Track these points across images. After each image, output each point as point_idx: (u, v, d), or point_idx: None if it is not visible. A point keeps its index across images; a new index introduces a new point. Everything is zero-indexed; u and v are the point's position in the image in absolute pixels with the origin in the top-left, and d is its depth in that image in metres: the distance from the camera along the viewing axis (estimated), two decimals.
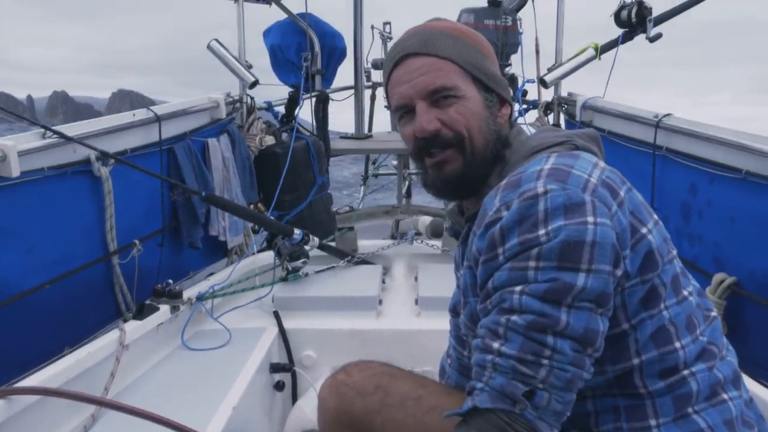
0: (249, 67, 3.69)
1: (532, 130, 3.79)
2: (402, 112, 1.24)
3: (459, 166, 1.21)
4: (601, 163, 1.12)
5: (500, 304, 1.02)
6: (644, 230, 1.08)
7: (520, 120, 4.03)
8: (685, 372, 1.08)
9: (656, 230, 1.11)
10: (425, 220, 2.93)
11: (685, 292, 1.13)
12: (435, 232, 2.88)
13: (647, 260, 1.07)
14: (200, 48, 3.69)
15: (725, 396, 1.10)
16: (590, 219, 1.00)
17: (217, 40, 3.63)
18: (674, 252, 1.15)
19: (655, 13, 3.43)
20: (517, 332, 0.99)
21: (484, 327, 1.05)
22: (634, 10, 3.41)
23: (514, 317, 1.00)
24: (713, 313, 1.19)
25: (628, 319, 1.07)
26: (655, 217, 1.14)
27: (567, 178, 1.04)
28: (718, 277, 2.35)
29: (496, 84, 1.24)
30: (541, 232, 1.00)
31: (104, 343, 1.90)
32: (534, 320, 0.98)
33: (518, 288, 1.00)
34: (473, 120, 1.20)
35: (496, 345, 1.01)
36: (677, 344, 1.08)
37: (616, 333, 1.07)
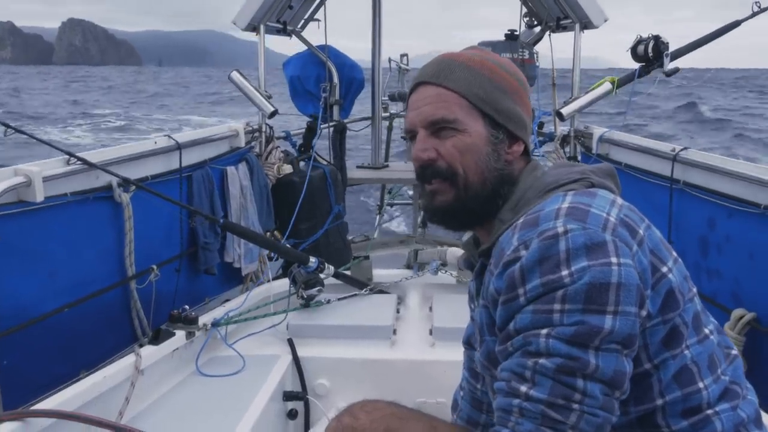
0: (269, 97, 3.75)
1: (549, 164, 3.81)
2: (409, 136, 1.27)
3: (449, 199, 1.20)
4: (619, 200, 1.11)
5: (525, 347, 1.00)
6: (665, 269, 1.06)
7: (535, 152, 4.04)
8: (709, 411, 1.06)
9: (676, 268, 1.09)
10: (455, 251, 2.87)
11: (706, 330, 1.11)
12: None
13: (668, 300, 1.05)
14: None
15: None
16: (614, 260, 0.99)
17: (238, 71, 3.71)
18: (694, 290, 1.14)
19: (672, 48, 3.46)
20: (545, 376, 0.97)
21: (507, 370, 1.02)
22: (650, 45, 3.44)
23: (542, 360, 0.97)
24: (734, 352, 1.17)
25: (650, 359, 1.05)
26: (674, 254, 1.13)
27: (586, 217, 1.03)
28: (737, 312, 2.32)
29: (509, 120, 1.21)
30: (565, 272, 0.98)
31: (120, 367, 1.91)
32: (563, 363, 0.96)
33: (544, 331, 0.98)
34: (470, 155, 1.18)
35: (523, 389, 0.99)
36: (700, 384, 1.06)
37: (638, 373, 1.05)
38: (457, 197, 1.20)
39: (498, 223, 1.19)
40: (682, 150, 2.82)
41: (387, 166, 4.97)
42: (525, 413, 0.98)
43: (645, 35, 3.52)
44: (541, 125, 4.12)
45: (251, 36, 3.90)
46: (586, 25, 3.87)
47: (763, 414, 1.17)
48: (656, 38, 3.45)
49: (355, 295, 2.76)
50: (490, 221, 1.21)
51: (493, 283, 1.08)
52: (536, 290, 1.00)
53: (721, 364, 1.11)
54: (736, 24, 3.54)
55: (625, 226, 1.05)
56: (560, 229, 1.01)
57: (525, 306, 1.01)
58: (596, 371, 0.96)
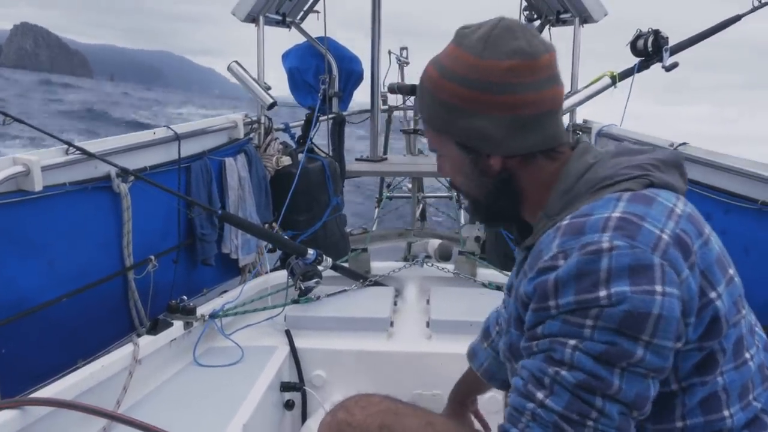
0: (268, 88, 3.74)
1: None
2: None
3: (468, 205, 1.23)
4: (679, 208, 1.03)
5: (549, 352, 0.97)
6: (713, 294, 0.99)
7: None
8: None
9: (727, 292, 1.02)
10: (434, 243, 2.94)
11: (747, 355, 1.05)
12: (443, 256, 2.89)
13: (711, 327, 0.99)
14: None
15: None
16: (658, 288, 0.92)
17: (237, 62, 3.70)
18: (743, 311, 1.07)
19: (671, 42, 3.46)
20: (564, 388, 0.95)
21: (527, 370, 1.00)
22: (650, 40, 3.43)
23: (564, 372, 0.95)
24: None
25: (678, 381, 1.01)
26: (730, 272, 1.06)
27: (637, 233, 0.95)
28: None
29: (466, 138, 1.12)
30: (602, 293, 0.92)
31: (118, 357, 1.92)
32: (585, 380, 0.94)
33: (572, 342, 0.95)
34: (456, 176, 1.19)
35: (540, 395, 0.97)
36: (726, 413, 1.02)
37: (663, 393, 1.01)
38: (471, 205, 1.22)
39: (543, 217, 1.11)
40: (680, 145, 2.82)
41: (386, 159, 4.97)
42: (537, 419, 0.97)
43: (645, 29, 3.53)
44: None
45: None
46: (586, 19, 3.86)
47: None
48: (656, 32, 3.45)
49: (353, 287, 2.77)
50: (533, 213, 1.15)
51: (524, 285, 1.04)
52: (569, 306, 0.95)
53: (756, 389, 1.05)
54: (736, 18, 3.54)
55: (678, 245, 0.97)
56: (605, 245, 0.94)
57: (556, 316, 0.97)
58: (618, 393, 0.93)
